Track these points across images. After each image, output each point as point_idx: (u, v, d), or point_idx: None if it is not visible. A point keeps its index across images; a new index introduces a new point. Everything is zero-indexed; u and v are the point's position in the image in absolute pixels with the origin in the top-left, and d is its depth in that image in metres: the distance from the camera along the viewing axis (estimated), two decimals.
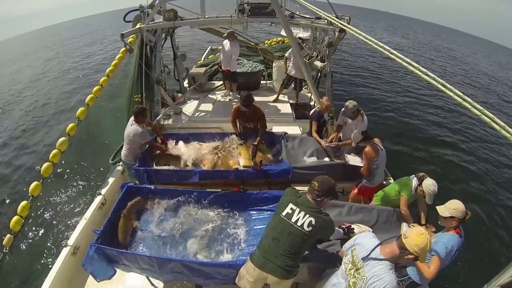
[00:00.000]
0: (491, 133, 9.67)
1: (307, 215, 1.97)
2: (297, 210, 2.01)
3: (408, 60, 2.23)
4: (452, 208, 2.17)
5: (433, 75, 2.10)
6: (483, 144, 9.14)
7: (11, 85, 14.13)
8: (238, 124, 4.13)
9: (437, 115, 11.07)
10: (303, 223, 1.96)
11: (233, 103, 5.78)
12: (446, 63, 22.21)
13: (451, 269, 4.41)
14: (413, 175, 2.88)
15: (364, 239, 1.87)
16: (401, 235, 1.69)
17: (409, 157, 7.60)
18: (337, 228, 2.27)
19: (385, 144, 3.39)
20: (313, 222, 1.96)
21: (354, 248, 1.86)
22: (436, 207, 2.26)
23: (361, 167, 3.31)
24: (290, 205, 2.04)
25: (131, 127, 3.44)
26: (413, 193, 2.78)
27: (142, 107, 3.55)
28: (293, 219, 1.99)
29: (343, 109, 3.82)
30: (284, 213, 2.04)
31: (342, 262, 1.94)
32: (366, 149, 3.18)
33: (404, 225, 2.77)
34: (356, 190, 3.46)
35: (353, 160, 3.58)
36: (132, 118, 3.49)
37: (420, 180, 2.75)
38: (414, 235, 1.62)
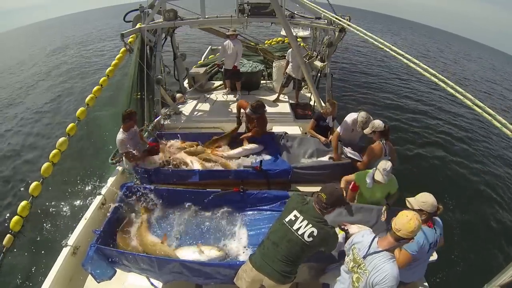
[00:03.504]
0: (494, 133, 9.68)
1: (310, 225, 1.93)
2: (301, 218, 1.97)
3: (409, 57, 2.23)
4: (421, 201, 2.12)
5: (433, 71, 2.08)
6: (485, 144, 9.14)
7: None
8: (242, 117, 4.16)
9: (437, 112, 11.08)
10: (304, 232, 1.92)
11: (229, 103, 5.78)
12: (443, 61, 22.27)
13: (451, 269, 4.41)
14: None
15: (362, 237, 1.89)
16: (391, 228, 1.73)
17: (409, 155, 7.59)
18: (339, 238, 2.21)
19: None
20: (315, 233, 1.91)
21: (354, 247, 1.89)
22: (406, 199, 2.21)
23: (359, 161, 3.35)
24: (294, 212, 2.01)
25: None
26: (368, 182, 2.74)
27: (129, 111, 3.25)
28: (295, 227, 1.95)
29: (352, 117, 3.71)
30: (287, 219, 2.01)
31: (344, 262, 1.95)
32: (373, 146, 3.20)
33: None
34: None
35: (352, 153, 3.60)
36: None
37: None
38: (405, 224, 1.67)
